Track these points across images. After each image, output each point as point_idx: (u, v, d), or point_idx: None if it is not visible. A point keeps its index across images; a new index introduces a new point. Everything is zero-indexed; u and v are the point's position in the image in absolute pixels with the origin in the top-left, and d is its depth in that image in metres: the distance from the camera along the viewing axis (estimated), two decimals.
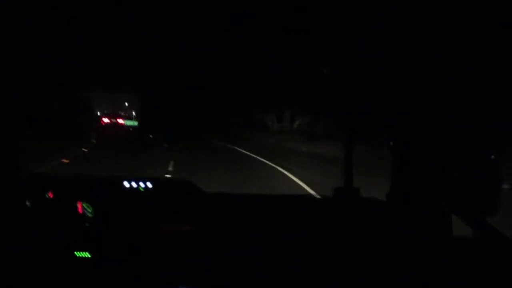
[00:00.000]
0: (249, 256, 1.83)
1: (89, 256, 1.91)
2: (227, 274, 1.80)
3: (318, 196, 2.10)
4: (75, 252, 1.91)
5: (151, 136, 26.70)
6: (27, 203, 1.98)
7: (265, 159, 16.01)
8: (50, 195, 2.01)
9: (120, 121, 29.76)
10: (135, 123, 36.70)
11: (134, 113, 47.59)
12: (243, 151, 19.82)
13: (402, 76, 1.73)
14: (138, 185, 2.00)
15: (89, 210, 1.99)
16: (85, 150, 15.68)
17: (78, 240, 1.93)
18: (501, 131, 1.76)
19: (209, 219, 1.92)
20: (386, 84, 1.85)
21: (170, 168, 12.59)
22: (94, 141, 20.05)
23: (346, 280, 1.72)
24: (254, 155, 17.81)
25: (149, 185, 2.00)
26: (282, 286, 1.76)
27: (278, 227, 1.87)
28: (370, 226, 1.79)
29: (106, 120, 28.90)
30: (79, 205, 2.00)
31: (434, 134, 1.68)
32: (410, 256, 1.66)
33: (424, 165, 1.68)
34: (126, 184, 2.00)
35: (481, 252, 1.62)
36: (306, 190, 9.43)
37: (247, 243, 1.85)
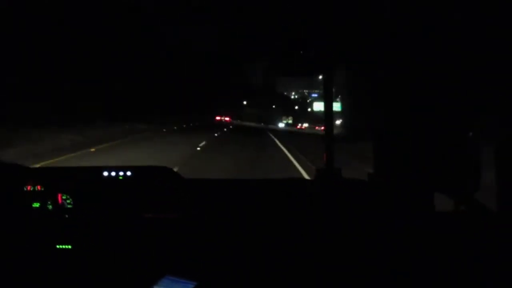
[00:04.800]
0: (232, 242, 1.81)
1: (70, 247, 1.88)
2: (211, 260, 1.78)
3: (303, 178, 2.09)
4: (56, 245, 1.88)
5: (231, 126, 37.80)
6: (4, 196, 1.94)
7: None
8: (28, 188, 1.97)
9: (227, 118, 43.39)
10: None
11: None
12: None
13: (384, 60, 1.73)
14: (117, 174, 1.97)
15: (69, 202, 1.96)
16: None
17: (59, 232, 1.90)
18: (483, 108, 1.76)
19: (189, 206, 1.89)
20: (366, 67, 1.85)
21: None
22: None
23: (330, 260, 1.71)
24: None
25: (128, 173, 1.97)
26: (266, 269, 1.75)
27: (261, 212, 1.85)
28: (352, 206, 1.78)
29: (217, 117, 43.35)
30: (58, 196, 1.96)
31: (415, 113, 1.68)
32: (393, 234, 1.66)
33: (406, 144, 1.68)
34: (105, 173, 1.97)
35: (463, 225, 1.63)
36: None
37: (229, 229, 1.83)
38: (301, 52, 1.86)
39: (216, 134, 16.48)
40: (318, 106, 39.00)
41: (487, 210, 1.62)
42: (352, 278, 1.64)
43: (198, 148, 14.65)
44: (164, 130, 21.23)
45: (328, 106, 1.84)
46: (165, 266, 1.75)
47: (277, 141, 19.86)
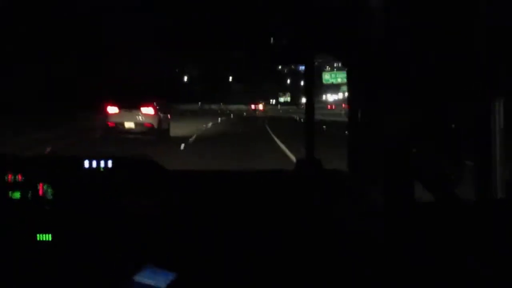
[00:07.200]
0: (212, 233, 1.82)
1: (51, 239, 1.88)
2: (192, 251, 1.79)
3: (284, 169, 2.08)
4: (37, 235, 1.88)
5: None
6: None
7: None
8: (9, 177, 1.96)
9: (260, 107, 46.10)
10: None
11: None
12: None
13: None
14: (98, 165, 1.96)
15: (50, 192, 1.95)
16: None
17: (39, 223, 1.90)
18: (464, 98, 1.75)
19: (171, 197, 1.89)
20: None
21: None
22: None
23: (310, 250, 1.72)
24: None
25: (110, 164, 1.96)
26: (246, 260, 1.76)
27: (240, 203, 1.86)
28: (332, 196, 1.78)
29: (252, 106, 46.61)
30: (39, 187, 1.96)
31: (396, 104, 1.66)
32: (373, 224, 1.66)
33: (386, 135, 1.66)
34: (86, 164, 1.96)
35: (441, 215, 1.63)
36: None
37: (209, 220, 1.84)
38: (281, 41, 1.84)
39: None
40: (329, 77, 29.26)
41: (466, 201, 1.63)
42: (332, 268, 1.65)
43: None
44: None
45: (309, 96, 1.82)
46: (146, 257, 1.76)
47: None
